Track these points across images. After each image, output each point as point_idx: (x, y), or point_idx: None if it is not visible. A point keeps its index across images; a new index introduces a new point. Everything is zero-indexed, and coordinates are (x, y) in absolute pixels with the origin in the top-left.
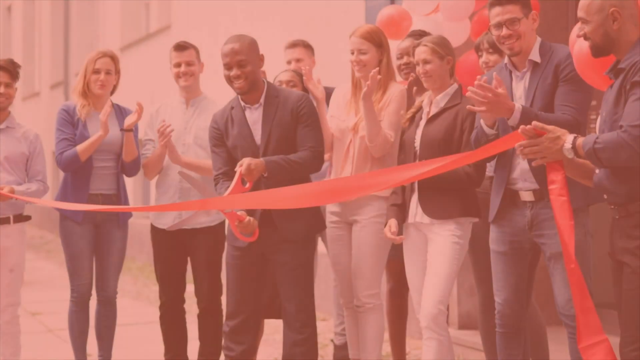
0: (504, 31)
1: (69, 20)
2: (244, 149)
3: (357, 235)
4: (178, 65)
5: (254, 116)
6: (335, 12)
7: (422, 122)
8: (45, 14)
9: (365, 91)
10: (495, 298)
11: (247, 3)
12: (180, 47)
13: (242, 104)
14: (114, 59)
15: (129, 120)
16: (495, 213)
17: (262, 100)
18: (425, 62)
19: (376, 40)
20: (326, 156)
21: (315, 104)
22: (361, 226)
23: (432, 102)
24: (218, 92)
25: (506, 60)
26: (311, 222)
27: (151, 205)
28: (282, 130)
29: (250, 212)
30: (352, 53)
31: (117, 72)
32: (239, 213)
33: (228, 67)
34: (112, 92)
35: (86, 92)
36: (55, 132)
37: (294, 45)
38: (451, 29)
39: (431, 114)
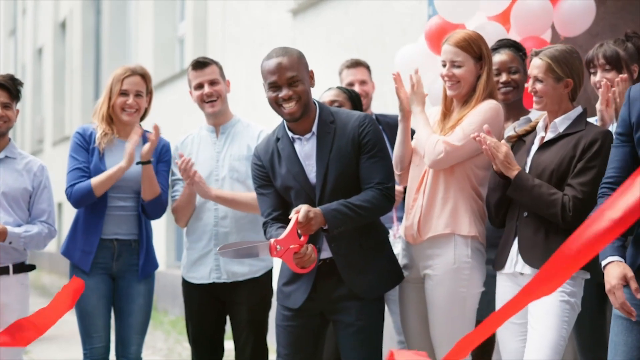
0: None
1: (100, 62)
2: (296, 190)
3: (431, 294)
4: (199, 86)
5: (306, 149)
6: (391, 33)
7: (534, 148)
8: (76, 56)
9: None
10: None
11: (287, 33)
12: (200, 64)
13: (290, 134)
14: (145, 77)
15: (143, 150)
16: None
17: (314, 128)
18: (536, 79)
19: (475, 50)
20: (397, 191)
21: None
22: (435, 283)
23: (547, 126)
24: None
25: None
26: (385, 274)
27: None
28: (342, 165)
29: (311, 239)
30: (444, 65)
31: (150, 92)
32: (291, 247)
33: (275, 87)
34: (142, 118)
35: (110, 117)
36: (68, 160)
37: (355, 64)
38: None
39: (546, 139)
